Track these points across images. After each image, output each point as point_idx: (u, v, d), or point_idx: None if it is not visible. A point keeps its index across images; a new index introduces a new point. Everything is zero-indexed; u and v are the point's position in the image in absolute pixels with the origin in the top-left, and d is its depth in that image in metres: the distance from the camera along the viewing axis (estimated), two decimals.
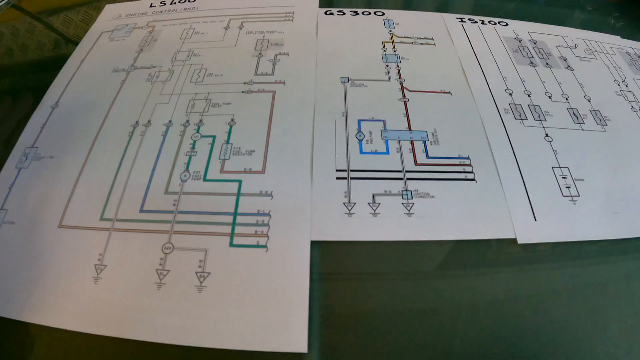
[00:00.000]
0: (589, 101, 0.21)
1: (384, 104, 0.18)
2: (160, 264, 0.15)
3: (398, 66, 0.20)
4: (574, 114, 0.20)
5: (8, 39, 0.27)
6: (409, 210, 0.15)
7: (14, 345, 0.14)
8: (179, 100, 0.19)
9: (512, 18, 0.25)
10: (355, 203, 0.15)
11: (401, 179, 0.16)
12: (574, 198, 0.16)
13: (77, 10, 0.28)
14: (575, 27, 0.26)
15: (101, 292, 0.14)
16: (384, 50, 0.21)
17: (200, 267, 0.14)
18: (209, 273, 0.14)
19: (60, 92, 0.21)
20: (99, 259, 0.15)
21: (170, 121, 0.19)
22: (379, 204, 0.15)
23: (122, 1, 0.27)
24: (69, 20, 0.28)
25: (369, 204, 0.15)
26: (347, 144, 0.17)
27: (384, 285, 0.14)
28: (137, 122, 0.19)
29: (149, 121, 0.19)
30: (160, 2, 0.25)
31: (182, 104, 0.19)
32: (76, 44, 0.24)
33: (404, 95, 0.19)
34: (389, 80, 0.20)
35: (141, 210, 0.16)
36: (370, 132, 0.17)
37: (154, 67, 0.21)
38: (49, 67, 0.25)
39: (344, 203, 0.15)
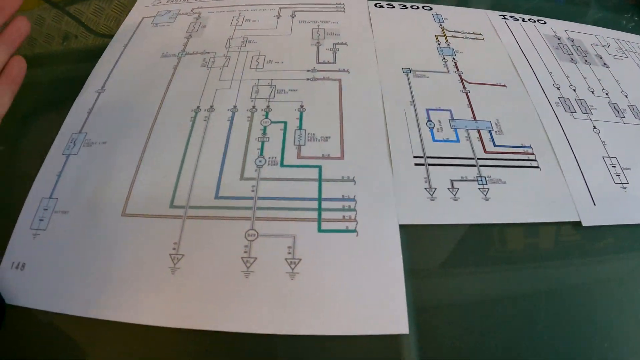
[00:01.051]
0: (626, 97, 0.22)
1: (447, 94, 0.19)
2: (246, 252, 0.14)
3: (454, 59, 0.21)
4: (615, 108, 0.21)
5: (37, 29, 0.25)
6: (485, 195, 0.16)
7: (86, 345, 0.13)
8: (240, 86, 0.19)
9: (544, 16, 0.27)
10: (436, 188, 0.16)
11: (474, 165, 0.16)
12: (624, 185, 0.18)
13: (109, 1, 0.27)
14: (591, 24, 0.28)
15: (180, 282, 0.13)
16: (438, 44, 0.22)
17: (290, 253, 0.14)
18: (300, 259, 0.14)
19: (105, 76, 0.20)
20: (174, 248, 0.14)
21: (235, 107, 0.18)
22: (458, 189, 0.16)
23: None
24: (100, 9, 0.27)
25: (448, 189, 0.16)
26: (419, 132, 0.17)
27: (467, 265, 0.15)
28: (198, 107, 0.18)
29: (211, 106, 0.18)
30: None
31: (245, 89, 0.19)
32: (107, 35, 0.23)
33: (464, 87, 0.20)
34: (448, 72, 0.20)
35: (217, 197, 0.16)
36: (439, 121, 0.18)
37: (208, 52, 0.21)
38: (85, 55, 0.23)
39: (425, 188, 0.15)
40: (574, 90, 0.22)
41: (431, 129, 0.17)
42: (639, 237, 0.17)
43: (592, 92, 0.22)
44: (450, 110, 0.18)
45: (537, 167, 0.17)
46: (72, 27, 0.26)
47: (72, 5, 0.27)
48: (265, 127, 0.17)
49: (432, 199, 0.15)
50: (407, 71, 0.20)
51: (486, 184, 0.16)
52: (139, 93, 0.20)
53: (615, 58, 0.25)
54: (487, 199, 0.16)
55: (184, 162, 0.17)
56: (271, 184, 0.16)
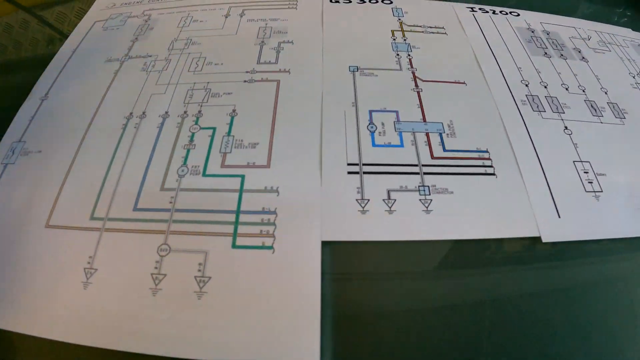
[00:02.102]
0: (605, 93, 0.19)
1: (396, 94, 0.17)
2: (156, 268, 0.13)
3: (409, 55, 0.18)
4: (592, 106, 0.18)
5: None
6: (427, 207, 0.13)
7: None
8: (176, 90, 0.17)
9: (521, 8, 0.24)
10: (368, 200, 0.13)
11: (417, 173, 0.14)
12: (597, 194, 0.15)
13: (71, 6, 0.26)
14: (584, 18, 0.25)
15: (91, 298, 0.12)
16: (394, 39, 0.19)
17: (199, 270, 0.12)
18: (210, 277, 0.12)
19: (50, 83, 0.19)
20: (88, 262, 0.13)
21: (166, 112, 0.17)
22: (395, 200, 0.13)
23: None
24: (62, 14, 0.26)
25: (383, 200, 0.13)
26: (358, 136, 0.15)
27: (401, 287, 0.13)
28: (131, 113, 0.17)
29: (143, 112, 0.17)
30: None
31: (180, 94, 0.17)
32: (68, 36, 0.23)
33: (416, 85, 0.17)
34: (400, 69, 0.18)
35: (135, 209, 0.14)
36: (383, 124, 0.15)
37: (150, 56, 0.19)
38: (39, 60, 0.22)
39: (356, 200, 0.13)
40: (545, 87, 0.19)
41: (372, 133, 0.15)
42: (612, 254, 0.14)
43: (567, 89, 0.19)
44: (396, 112, 0.16)
45: (493, 174, 0.15)
46: (32, 33, 0.25)
47: (35, 10, 0.26)
48: (193, 133, 0.16)
49: (363, 212, 0.13)
50: (354, 69, 0.18)
51: (429, 194, 0.14)
52: (78, 100, 0.18)
53: (596, 52, 0.22)
54: (428, 211, 0.13)
55: (108, 172, 0.15)
56: (191, 195, 0.14)
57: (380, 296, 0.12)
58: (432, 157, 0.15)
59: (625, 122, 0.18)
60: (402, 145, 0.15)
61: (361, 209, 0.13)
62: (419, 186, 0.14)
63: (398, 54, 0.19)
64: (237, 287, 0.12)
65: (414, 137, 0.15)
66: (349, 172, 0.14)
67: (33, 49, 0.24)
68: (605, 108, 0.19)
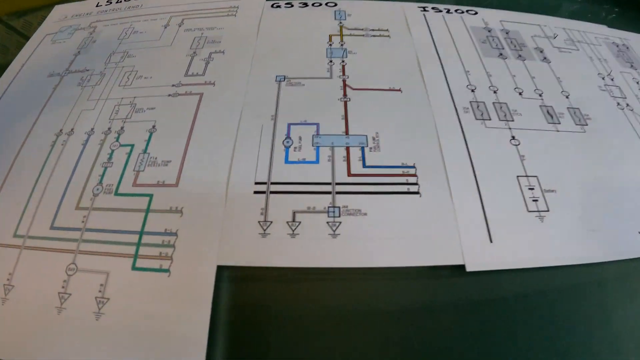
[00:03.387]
0: (567, 97, 0.17)
1: (321, 104, 0.15)
2: (63, 287, 0.12)
3: (343, 61, 0.17)
4: (548, 112, 0.16)
5: None
6: (334, 231, 0.12)
7: None
8: (104, 106, 0.16)
9: (491, 7, 0.21)
10: (271, 222, 0.12)
11: (329, 192, 0.12)
12: (542, 214, 0.13)
13: (35, 15, 0.26)
14: (559, 16, 0.22)
15: (7, 314, 0.12)
16: (330, 45, 0.18)
17: (100, 292, 0.12)
18: (108, 299, 0.12)
19: None
20: (8, 279, 0.13)
21: (92, 129, 0.16)
22: (299, 222, 0.12)
23: (72, 1, 0.25)
24: (28, 23, 0.26)
25: (287, 222, 0.12)
26: (271, 152, 0.13)
27: (300, 319, 0.11)
28: (61, 130, 0.16)
29: (72, 129, 0.16)
30: (107, 1, 0.23)
31: (107, 109, 0.16)
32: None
33: (345, 94, 0.15)
34: (331, 77, 0.16)
35: (52, 227, 0.13)
36: (300, 138, 0.14)
37: (87, 70, 0.18)
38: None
39: (259, 222, 0.12)
40: (495, 92, 0.16)
41: (287, 148, 0.14)
42: (554, 285, 0.12)
43: (520, 94, 0.17)
44: (317, 124, 0.14)
45: (417, 192, 0.13)
46: None
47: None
48: (113, 151, 0.15)
49: (264, 235, 0.12)
50: (281, 79, 0.16)
51: (338, 216, 0.12)
52: (19, 115, 0.18)
53: (560, 51, 0.19)
54: (335, 235, 0.12)
55: (34, 190, 0.15)
56: (102, 215, 0.13)
57: (276, 327, 0.11)
58: (349, 174, 0.13)
59: (587, 129, 0.16)
60: (317, 162, 0.13)
61: (262, 231, 0.12)
62: (328, 207, 0.12)
63: (331, 61, 0.17)
64: (133, 310, 0.11)
65: (332, 152, 0.13)
66: (256, 192, 0.13)
67: None
68: (564, 114, 0.16)
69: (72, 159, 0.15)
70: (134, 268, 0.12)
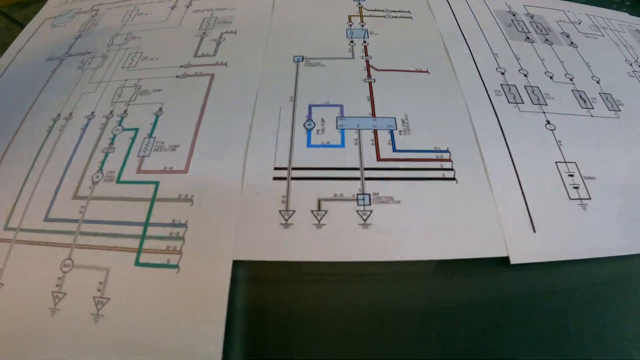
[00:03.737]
0: (597, 82, 0.16)
1: (344, 85, 0.14)
2: (57, 285, 0.11)
3: (365, 42, 0.15)
4: (580, 97, 0.15)
5: None
6: (365, 220, 0.10)
7: None
8: (106, 89, 0.15)
9: None
10: (294, 211, 0.11)
11: (358, 178, 0.11)
12: (584, 202, 0.12)
13: (38, 6, 0.25)
14: (575, 1, 0.21)
15: None
16: (350, 25, 0.16)
17: (99, 290, 0.10)
18: (109, 299, 0.10)
19: None
20: None
21: (92, 113, 0.14)
22: (325, 211, 0.11)
23: None
24: (27, 17, 0.25)
25: (312, 212, 0.11)
26: (292, 136, 0.12)
27: (327, 321, 0.10)
28: (58, 115, 0.15)
29: (70, 114, 0.14)
30: None
31: (109, 92, 0.15)
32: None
33: (369, 75, 0.14)
34: (353, 58, 0.15)
35: (46, 219, 0.12)
36: (323, 120, 0.13)
37: (88, 53, 0.17)
38: None
39: (280, 211, 0.11)
40: (525, 76, 0.15)
41: (309, 131, 0.12)
42: (600, 277, 0.11)
43: (551, 78, 0.16)
44: (341, 106, 0.13)
45: (453, 178, 0.11)
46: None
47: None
48: (115, 135, 0.13)
49: (286, 225, 0.10)
50: (299, 59, 0.15)
51: (369, 204, 0.11)
52: (14, 101, 0.16)
53: (587, 37, 0.18)
54: (366, 225, 0.10)
55: (27, 178, 0.13)
56: (102, 204, 0.12)
57: (300, 330, 0.09)
58: (379, 158, 0.12)
59: (620, 115, 0.15)
60: (342, 145, 0.12)
61: (284, 222, 0.10)
62: (357, 194, 0.11)
63: (352, 41, 0.15)
64: (137, 311, 0.10)
65: (359, 135, 0.12)
66: (275, 178, 0.11)
67: None
68: (597, 99, 0.15)
69: (71, 145, 0.14)
70: (137, 264, 0.11)
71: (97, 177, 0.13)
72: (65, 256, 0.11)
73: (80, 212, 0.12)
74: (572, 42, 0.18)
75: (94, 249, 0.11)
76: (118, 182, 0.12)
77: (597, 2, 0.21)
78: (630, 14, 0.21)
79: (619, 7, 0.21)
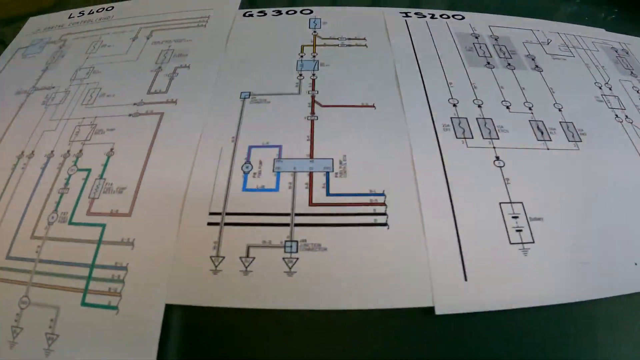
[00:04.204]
0: (559, 110, 0.15)
1: (286, 124, 0.14)
2: (16, 320, 0.12)
3: (314, 75, 0.15)
4: (538, 127, 0.14)
5: None
6: (290, 268, 0.11)
7: None
8: (66, 126, 0.16)
9: (486, 11, 0.19)
10: (224, 257, 0.11)
11: (288, 224, 0.11)
12: (526, 246, 0.11)
13: (11, 27, 0.26)
14: (555, 19, 0.20)
15: None
16: (301, 56, 0.16)
17: (50, 327, 0.11)
18: (58, 335, 0.11)
19: None
20: None
21: (52, 152, 0.15)
22: (253, 258, 0.11)
23: (47, 12, 0.24)
24: (1, 34, 0.26)
25: (240, 258, 0.11)
26: (229, 179, 0.12)
27: None
28: (22, 152, 0.15)
29: (32, 152, 0.15)
30: (79, 12, 0.22)
31: (68, 130, 0.15)
32: None
33: (312, 112, 0.14)
34: (299, 93, 0.15)
35: (7, 257, 0.13)
36: (261, 163, 0.13)
37: (53, 87, 0.17)
38: None
39: (211, 257, 0.11)
40: (479, 107, 0.15)
41: (246, 174, 0.12)
42: (537, 329, 0.10)
43: (507, 107, 0.15)
44: (280, 147, 0.13)
45: (385, 224, 0.12)
46: None
47: None
48: (70, 175, 0.14)
49: (216, 272, 0.11)
50: (246, 96, 0.15)
51: (296, 251, 0.11)
52: None
53: (554, 58, 0.17)
54: (291, 273, 0.11)
55: None
56: (56, 245, 0.12)
57: None
58: (310, 203, 0.12)
59: (581, 145, 0.14)
60: (277, 189, 0.12)
61: (214, 268, 0.11)
62: (285, 241, 0.11)
63: (301, 74, 0.15)
64: (82, 349, 0.11)
65: (294, 179, 0.12)
66: (209, 223, 0.12)
67: None
68: (556, 129, 0.15)
69: (31, 184, 0.14)
70: (83, 304, 0.11)
71: (52, 217, 0.14)
72: (22, 293, 0.12)
73: (37, 251, 0.13)
74: (536, 66, 0.17)
75: (47, 288, 0.12)
76: (70, 223, 0.13)
77: (577, 19, 0.20)
78: (607, 29, 0.20)
79: (598, 23, 0.20)
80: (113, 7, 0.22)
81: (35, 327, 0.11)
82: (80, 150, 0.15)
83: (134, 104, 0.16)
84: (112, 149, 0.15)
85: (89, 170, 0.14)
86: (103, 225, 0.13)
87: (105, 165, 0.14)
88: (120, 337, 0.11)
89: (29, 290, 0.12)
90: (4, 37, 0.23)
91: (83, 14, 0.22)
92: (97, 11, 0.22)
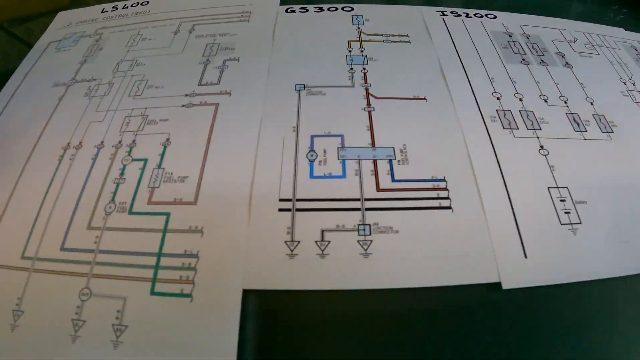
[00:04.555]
0: (591, 104, 0.16)
1: (344, 115, 0.14)
2: (77, 313, 0.11)
3: (364, 69, 0.16)
4: (574, 120, 0.16)
5: None
6: (365, 250, 0.11)
7: None
8: (114, 118, 0.16)
9: (504, 10, 0.21)
10: (299, 241, 0.11)
11: (359, 209, 0.12)
12: (575, 226, 0.12)
13: (37, 22, 0.25)
14: (573, 18, 0.22)
15: (17, 342, 0.11)
16: (349, 51, 0.17)
17: (117, 318, 0.11)
18: (127, 326, 0.11)
19: (1, 109, 0.18)
20: (17, 304, 0.12)
21: (102, 142, 0.15)
22: (329, 242, 0.11)
23: (76, 7, 0.24)
24: (30, 30, 0.26)
25: (316, 242, 0.11)
26: (295, 167, 0.13)
27: (333, 345, 0.10)
28: (68, 143, 0.15)
29: (80, 143, 0.15)
30: (113, 7, 0.22)
31: (117, 121, 0.15)
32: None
33: (368, 104, 0.15)
34: (352, 86, 0.15)
35: (62, 249, 0.13)
36: (325, 151, 0.13)
37: (94, 79, 0.18)
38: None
39: (285, 242, 0.11)
40: (520, 100, 0.16)
41: (311, 162, 0.13)
42: (589, 299, 0.12)
43: (545, 101, 0.16)
44: (342, 136, 0.14)
45: (449, 207, 0.12)
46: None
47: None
48: (125, 165, 0.14)
49: (292, 256, 0.11)
50: (300, 88, 0.15)
51: (369, 234, 0.12)
52: (22, 129, 0.17)
53: (582, 56, 0.18)
54: (366, 255, 0.11)
55: (42, 207, 0.14)
56: (115, 235, 0.12)
57: (308, 356, 0.10)
58: (378, 189, 0.13)
59: (613, 137, 0.15)
60: (344, 176, 0.13)
61: (290, 252, 0.11)
62: (358, 225, 0.12)
63: (352, 68, 0.16)
64: (154, 338, 0.11)
65: (359, 166, 0.13)
66: (280, 209, 0.12)
67: None
68: (590, 121, 0.16)
69: (82, 175, 0.14)
70: (152, 293, 0.11)
71: (110, 207, 0.14)
72: (83, 285, 0.12)
73: (95, 242, 0.13)
74: (567, 63, 0.18)
75: (110, 279, 0.12)
76: (130, 213, 0.13)
77: (592, 17, 0.22)
78: (626, 29, 0.21)
79: (613, 22, 0.22)
80: (148, 2, 0.22)
81: (100, 319, 0.11)
82: (133, 141, 0.15)
83: (186, 95, 0.16)
84: (168, 139, 0.15)
85: (145, 160, 0.14)
86: (167, 214, 0.13)
87: (162, 155, 0.14)
88: (196, 325, 0.11)
89: (90, 281, 0.12)
90: (31, 32, 0.23)
91: (117, 8, 0.22)
92: (131, 5, 0.22)
